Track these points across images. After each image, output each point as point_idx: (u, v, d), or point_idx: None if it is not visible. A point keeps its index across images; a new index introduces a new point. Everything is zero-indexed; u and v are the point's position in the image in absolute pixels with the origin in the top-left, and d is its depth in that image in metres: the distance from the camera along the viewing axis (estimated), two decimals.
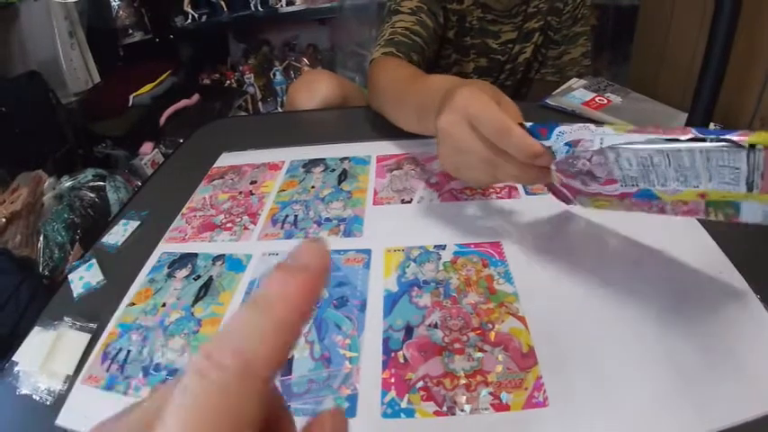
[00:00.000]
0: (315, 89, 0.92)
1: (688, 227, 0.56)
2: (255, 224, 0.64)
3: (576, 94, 0.86)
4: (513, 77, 1.00)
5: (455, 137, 0.48)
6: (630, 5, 1.63)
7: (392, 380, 0.43)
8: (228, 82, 2.29)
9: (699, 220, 0.56)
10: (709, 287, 0.48)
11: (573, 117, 0.82)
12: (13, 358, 0.50)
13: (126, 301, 0.55)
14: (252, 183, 0.73)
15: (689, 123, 0.66)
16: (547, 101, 0.86)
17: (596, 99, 0.84)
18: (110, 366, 0.48)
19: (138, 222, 0.68)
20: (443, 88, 0.53)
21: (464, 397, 0.40)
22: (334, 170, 0.73)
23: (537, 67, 1.01)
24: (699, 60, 0.64)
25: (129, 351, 0.49)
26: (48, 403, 0.46)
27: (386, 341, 0.46)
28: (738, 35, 0.60)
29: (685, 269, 0.51)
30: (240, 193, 0.71)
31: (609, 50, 1.75)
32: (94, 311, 0.54)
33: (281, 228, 0.63)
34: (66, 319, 0.52)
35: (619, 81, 0.99)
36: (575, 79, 0.92)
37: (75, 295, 0.57)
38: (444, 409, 0.40)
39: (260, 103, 2.31)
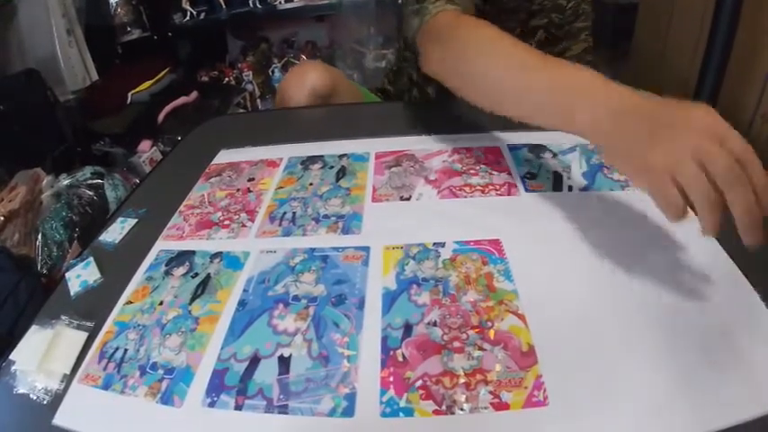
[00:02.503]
0: (305, 79, 0.92)
1: (689, 224, 0.56)
2: (253, 221, 0.64)
3: None
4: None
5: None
6: (630, 3, 1.63)
7: (391, 378, 0.42)
8: (227, 79, 2.28)
9: None
10: (710, 285, 0.48)
11: None
12: (10, 357, 0.49)
13: (123, 299, 0.55)
14: (250, 180, 0.73)
15: None
16: None
17: None
18: (107, 365, 0.48)
19: (136, 220, 0.68)
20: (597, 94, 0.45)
21: (463, 396, 0.40)
22: (332, 167, 0.73)
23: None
24: (699, 58, 0.63)
25: (126, 350, 0.49)
26: (45, 402, 0.45)
27: (384, 339, 0.46)
28: (739, 33, 0.59)
29: (686, 267, 0.51)
30: (238, 190, 0.71)
31: (609, 48, 1.74)
32: (92, 310, 0.54)
33: (279, 225, 0.62)
34: (63, 317, 0.52)
35: (619, 78, 0.99)
36: None
37: (72, 293, 0.57)
38: (443, 408, 0.40)
39: (258, 101, 2.30)
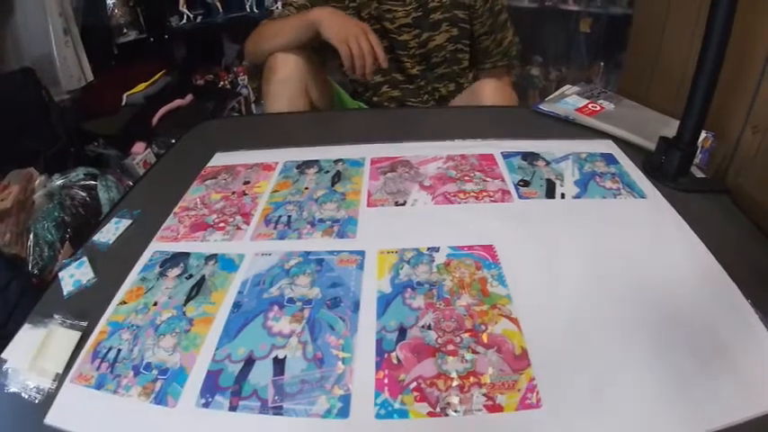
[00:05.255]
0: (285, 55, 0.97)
1: (680, 232, 0.57)
2: (248, 224, 0.64)
3: (570, 100, 0.87)
4: (429, 62, 1.05)
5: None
6: (623, 14, 1.65)
7: (385, 380, 0.43)
8: (222, 83, 2.28)
9: (691, 227, 0.57)
10: (700, 291, 0.49)
11: (566, 123, 0.83)
12: (2, 356, 0.49)
13: (117, 299, 0.55)
14: (245, 183, 0.73)
15: (681, 130, 0.67)
16: (540, 106, 0.87)
17: (589, 105, 0.85)
18: (100, 365, 0.48)
19: (130, 221, 0.67)
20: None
21: (457, 398, 0.40)
22: (327, 171, 0.73)
23: (466, 56, 1.06)
24: (691, 68, 0.64)
25: (119, 350, 0.49)
26: (36, 402, 0.45)
27: (379, 342, 0.46)
28: (730, 43, 0.61)
29: (677, 274, 0.51)
30: (233, 193, 0.71)
31: (602, 58, 1.77)
32: (85, 309, 0.54)
33: (275, 228, 0.63)
34: (56, 316, 0.52)
35: (611, 88, 1.00)
36: (568, 86, 0.93)
37: (65, 293, 0.57)
38: (438, 410, 0.40)
39: (253, 105, 2.30)
